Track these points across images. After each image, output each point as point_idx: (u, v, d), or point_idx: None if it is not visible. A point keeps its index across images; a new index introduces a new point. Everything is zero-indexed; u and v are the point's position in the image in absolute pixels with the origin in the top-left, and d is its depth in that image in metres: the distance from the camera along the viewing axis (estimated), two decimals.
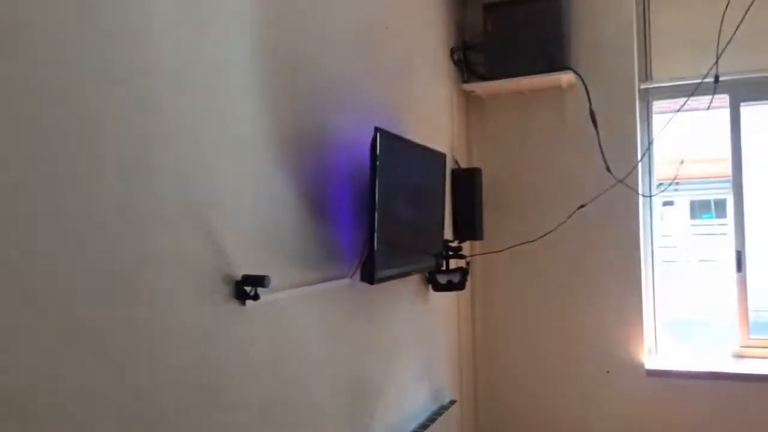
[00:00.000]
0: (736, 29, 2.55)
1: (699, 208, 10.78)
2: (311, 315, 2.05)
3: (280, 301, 1.85)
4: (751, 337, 3.50)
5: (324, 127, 2.15)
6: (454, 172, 3.41)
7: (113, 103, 1.34)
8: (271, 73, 1.87)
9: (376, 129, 2.08)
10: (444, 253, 3.04)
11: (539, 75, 3.28)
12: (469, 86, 3.49)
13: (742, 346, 3.49)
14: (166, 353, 1.45)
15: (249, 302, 1.69)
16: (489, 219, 3.55)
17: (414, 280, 2.92)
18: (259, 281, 1.67)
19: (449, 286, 3.09)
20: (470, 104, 3.67)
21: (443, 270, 3.07)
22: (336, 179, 2.21)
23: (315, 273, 2.07)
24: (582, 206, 3.09)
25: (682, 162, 3.39)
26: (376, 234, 2.10)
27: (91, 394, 1.26)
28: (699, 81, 2.90)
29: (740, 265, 3.51)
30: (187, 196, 1.53)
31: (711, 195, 9.29)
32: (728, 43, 2.56)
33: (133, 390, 1.36)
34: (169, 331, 1.46)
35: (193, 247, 1.54)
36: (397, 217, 2.34)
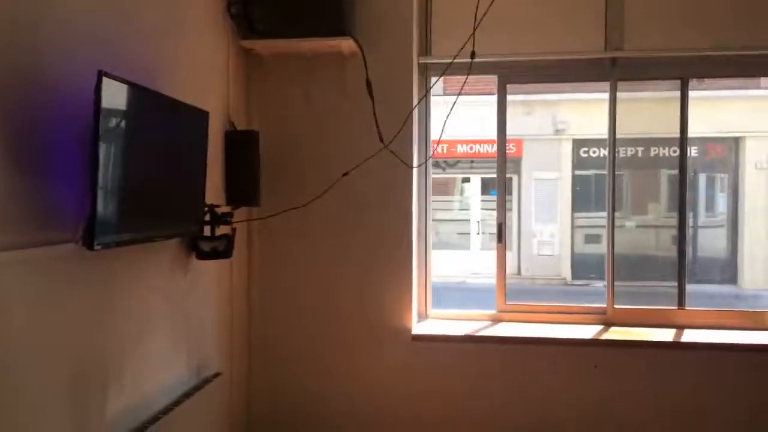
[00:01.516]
0: (487, 9, 2.64)
1: (491, 185, 11.73)
2: (15, 284, 1.76)
3: None
4: (508, 302, 3.79)
5: (41, 70, 1.85)
6: (228, 134, 3.22)
7: None
8: None
9: (100, 72, 1.82)
10: (207, 219, 2.85)
11: (318, 38, 3.18)
12: (248, 43, 3.30)
13: (500, 311, 3.77)
14: None
15: None
16: (269, 184, 3.41)
17: (169, 247, 2.70)
18: None
19: (214, 254, 2.92)
20: (251, 64, 3.48)
21: (207, 237, 2.88)
22: (60, 131, 1.92)
23: (20, 236, 1.78)
24: (346, 173, 3.08)
25: (438, 142, 3.53)
26: (97, 192, 1.85)
27: None
28: (454, 60, 2.97)
29: (500, 236, 3.77)
30: None
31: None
32: (482, 18, 2.64)
33: None
34: None
35: None
36: (132, 176, 2.10)
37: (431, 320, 3.76)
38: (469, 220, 12.66)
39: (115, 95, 1.93)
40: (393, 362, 3.50)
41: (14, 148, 1.75)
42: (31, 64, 1.81)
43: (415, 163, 3.48)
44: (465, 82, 2.86)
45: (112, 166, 1.98)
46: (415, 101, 3.46)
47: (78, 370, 2.07)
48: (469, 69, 2.88)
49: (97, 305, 2.18)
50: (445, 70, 3.11)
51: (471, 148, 11.77)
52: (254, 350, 3.59)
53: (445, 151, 11.48)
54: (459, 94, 2.86)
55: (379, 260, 3.50)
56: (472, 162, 12.20)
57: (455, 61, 3.01)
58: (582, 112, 10.50)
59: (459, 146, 11.73)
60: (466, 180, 12.91)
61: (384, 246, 3.50)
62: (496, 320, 3.75)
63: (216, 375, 3.08)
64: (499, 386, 3.46)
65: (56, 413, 1.97)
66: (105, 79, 1.84)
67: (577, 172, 11.41)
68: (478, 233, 12.24)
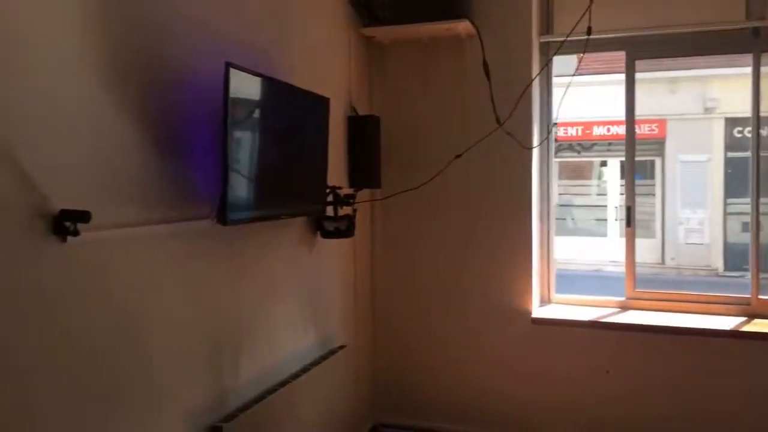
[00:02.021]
0: None
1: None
2: (159, 255, 2.01)
3: (115, 238, 1.81)
4: (638, 290, 3.63)
5: (184, 63, 2.07)
6: (350, 119, 3.38)
7: None
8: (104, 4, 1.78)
9: (227, 64, 2.01)
10: (331, 200, 3.02)
11: (436, 22, 3.23)
12: (369, 31, 3.43)
13: (628, 298, 3.62)
14: None
15: (71, 239, 1.64)
16: (389, 167, 3.54)
17: (297, 226, 2.90)
18: (79, 216, 1.62)
19: (337, 233, 3.09)
20: (372, 51, 3.61)
21: (330, 217, 3.06)
22: (195, 117, 2.15)
23: (165, 212, 2.02)
24: (459, 155, 3.11)
25: (555, 123, 3.44)
26: (229, 174, 2.06)
27: None
28: (568, 38, 2.88)
29: (629, 220, 3.62)
30: None
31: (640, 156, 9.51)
32: None
33: None
34: None
35: None
36: (259, 158, 2.30)
37: (554, 305, 3.70)
38: (606, 206, 12.09)
39: (241, 85, 2.12)
40: (512, 344, 3.50)
41: (159, 135, 1.99)
42: (165, 60, 2.03)
43: (535, 144, 3.43)
44: (581, 60, 2.77)
45: (241, 150, 2.18)
46: (535, 81, 3.41)
47: (214, 336, 2.31)
48: (585, 46, 2.79)
49: (231, 276, 2.41)
50: (559, 47, 3.03)
51: (608, 130, 11.20)
52: (377, 325, 3.75)
53: (579, 134, 11.04)
54: (574, 74, 2.79)
55: (498, 241, 3.50)
56: (609, 144, 11.61)
57: (579, 38, 2.92)
58: (735, 88, 9.61)
59: (595, 128, 11.21)
60: (604, 164, 12.32)
61: (503, 228, 3.49)
62: (624, 307, 3.61)
63: (341, 347, 3.26)
64: (622, 375, 3.34)
65: (196, 375, 2.21)
66: (232, 70, 2.03)
67: (731, 154, 10.49)
68: (616, 219, 11.65)
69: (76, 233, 1.63)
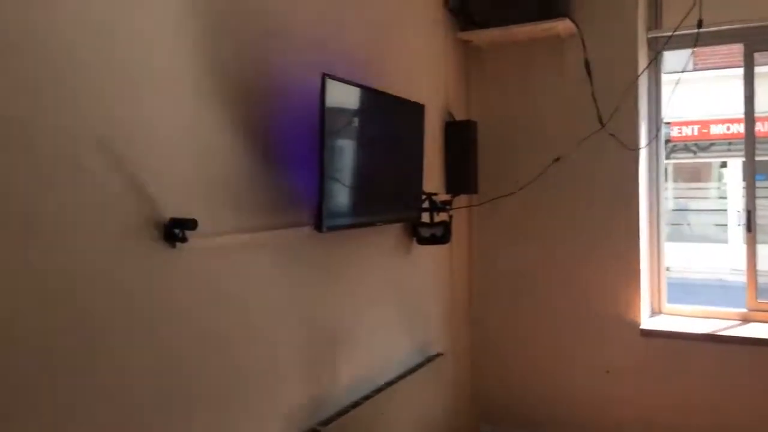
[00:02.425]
0: None
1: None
2: (260, 261, 2.08)
3: (219, 245, 1.90)
4: (760, 300, 3.35)
5: (279, 71, 2.15)
6: (447, 124, 3.36)
7: (28, 33, 1.38)
8: (209, 14, 1.88)
9: (324, 75, 2.06)
10: (426, 206, 3.02)
11: (535, 23, 3.15)
12: (466, 35, 3.40)
13: (750, 309, 3.35)
14: (90, 296, 1.52)
15: (179, 245, 1.74)
16: (486, 172, 3.49)
17: (392, 232, 2.92)
18: (186, 224, 1.72)
19: (433, 240, 3.08)
20: (469, 55, 3.57)
21: (426, 223, 3.05)
22: (294, 126, 2.22)
23: (265, 219, 2.10)
24: (557, 159, 3.00)
25: (663, 119, 3.23)
26: (325, 181, 2.10)
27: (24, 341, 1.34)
28: (675, 32, 2.71)
29: (750, 224, 3.35)
30: (102, 137, 1.57)
31: (762, 156, 8.79)
32: None
33: (68, 330, 1.44)
34: (89, 274, 1.52)
35: (112, 189, 1.58)
36: (355, 166, 2.33)
37: (665, 316, 3.49)
38: (726, 210, 11.25)
39: (338, 94, 2.16)
40: (618, 356, 3.33)
41: (259, 145, 2.08)
42: (265, 71, 2.11)
43: (642, 144, 3.25)
44: (695, 55, 2.59)
45: (338, 158, 2.22)
46: (642, 79, 3.23)
47: (311, 339, 2.36)
48: (696, 39, 2.61)
49: (328, 282, 2.46)
50: (666, 42, 2.85)
51: (728, 129, 10.43)
52: (475, 333, 3.69)
53: (696, 133, 10.35)
54: (683, 70, 2.61)
55: (602, 248, 3.35)
56: (729, 144, 10.80)
57: (690, 32, 2.75)
58: None
59: (713, 127, 10.47)
60: (724, 165, 11.48)
61: (607, 233, 3.34)
62: (744, 320, 3.34)
63: (438, 355, 3.24)
64: (744, 394, 3.08)
65: (294, 377, 2.27)
66: (328, 80, 2.08)
67: None
68: (738, 224, 10.82)
69: (184, 240, 1.73)
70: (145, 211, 1.68)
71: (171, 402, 1.76)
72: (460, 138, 3.35)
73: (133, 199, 1.64)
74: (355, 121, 2.34)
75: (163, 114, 1.73)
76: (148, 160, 1.68)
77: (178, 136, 1.79)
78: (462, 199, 3.43)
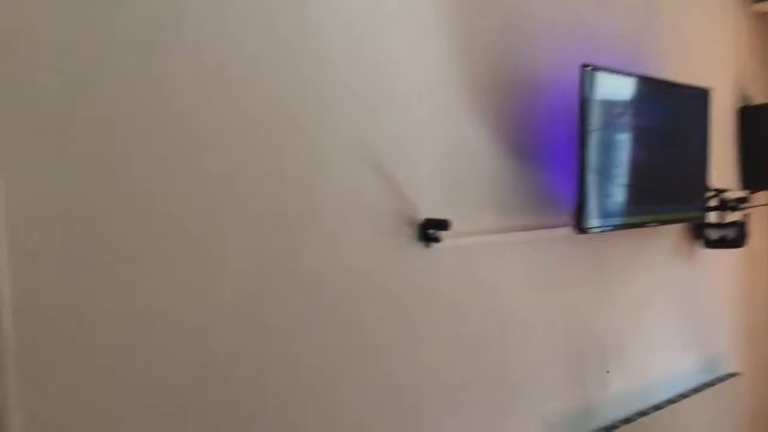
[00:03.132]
0: None
1: None
2: (515, 262, 2.04)
3: (472, 245, 1.90)
4: None
5: (536, 65, 2.07)
6: (742, 110, 2.91)
7: (284, 51, 1.56)
8: (463, 15, 1.88)
9: (583, 66, 1.93)
10: (714, 204, 2.65)
11: None
12: (765, 6, 2.90)
13: None
14: (353, 291, 1.65)
15: (433, 245, 1.79)
16: None
17: (671, 234, 2.63)
18: (440, 225, 1.76)
19: (723, 243, 2.69)
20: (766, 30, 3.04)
21: (714, 224, 2.68)
22: (553, 122, 2.12)
23: (519, 220, 2.04)
24: None
25: None
26: (586, 179, 1.97)
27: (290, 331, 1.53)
28: None
29: None
30: (365, 140, 1.67)
31: None
32: None
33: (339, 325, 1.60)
34: (353, 270, 1.64)
35: (373, 191, 1.69)
36: (621, 161, 2.14)
37: None
38: None
39: (600, 85, 2.01)
40: None
41: (518, 143, 2.03)
42: (520, 64, 2.04)
43: None
44: None
45: (601, 154, 2.07)
46: None
47: (575, 345, 2.24)
48: None
49: (593, 286, 2.31)
50: None
51: None
52: None
53: None
54: None
55: None
56: None
57: None
58: None
59: None
60: None
61: None
62: None
63: (732, 374, 2.83)
64: None
65: (555, 382, 2.17)
66: (587, 71, 1.95)
67: None
68: None
69: (437, 240, 1.78)
70: (404, 212, 1.76)
71: (459, 394, 1.85)
72: (758, 125, 2.88)
73: (392, 200, 1.74)
74: (622, 113, 2.15)
75: (416, 119, 1.79)
76: (403, 163, 1.76)
77: (433, 139, 1.83)
78: (761, 196, 2.93)
